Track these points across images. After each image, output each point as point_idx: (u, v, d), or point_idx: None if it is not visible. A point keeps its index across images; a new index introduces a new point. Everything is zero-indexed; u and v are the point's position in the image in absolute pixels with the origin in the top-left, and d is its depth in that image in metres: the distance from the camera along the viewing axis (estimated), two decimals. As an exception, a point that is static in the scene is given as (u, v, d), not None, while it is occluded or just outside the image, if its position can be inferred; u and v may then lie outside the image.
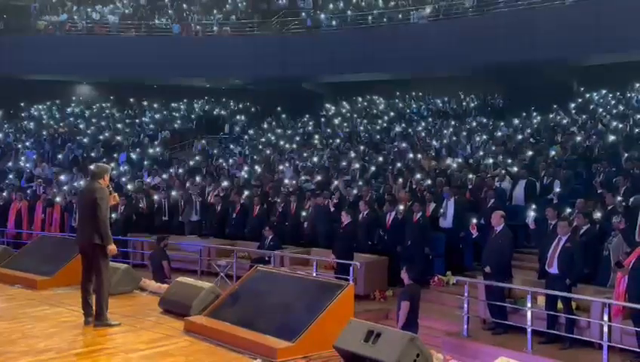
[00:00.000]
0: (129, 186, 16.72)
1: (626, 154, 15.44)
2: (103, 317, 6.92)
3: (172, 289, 7.92)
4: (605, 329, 7.11)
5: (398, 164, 16.39)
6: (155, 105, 32.75)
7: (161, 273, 11.96)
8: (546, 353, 7.92)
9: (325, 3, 31.54)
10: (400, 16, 28.50)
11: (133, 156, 22.30)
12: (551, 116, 23.16)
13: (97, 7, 33.11)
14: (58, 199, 15.18)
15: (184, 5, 34.48)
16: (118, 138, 25.11)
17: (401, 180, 14.14)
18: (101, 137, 25.45)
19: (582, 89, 27.61)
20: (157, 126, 28.48)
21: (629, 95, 25.72)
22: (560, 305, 8.25)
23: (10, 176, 19.12)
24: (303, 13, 30.88)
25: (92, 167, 7.80)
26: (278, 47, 29.19)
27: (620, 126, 19.68)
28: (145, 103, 33.48)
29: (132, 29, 32.32)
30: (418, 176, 14.15)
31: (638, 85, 25.90)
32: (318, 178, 15.55)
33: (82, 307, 7.07)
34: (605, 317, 7.17)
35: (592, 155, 16.42)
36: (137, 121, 29.56)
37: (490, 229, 9.34)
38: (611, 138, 17.80)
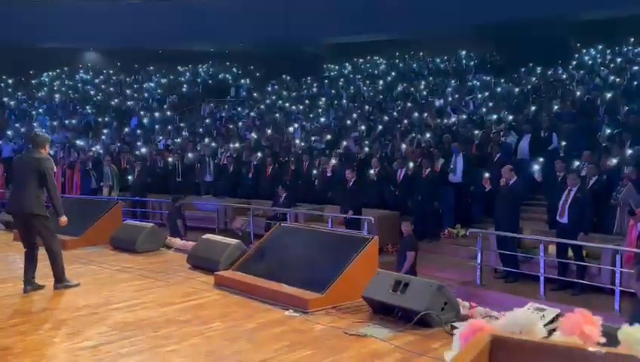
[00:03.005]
0: (143, 149, 16.64)
1: (627, 108, 15.36)
2: (62, 279, 6.78)
3: (199, 246, 7.98)
4: (618, 275, 7.16)
5: (405, 121, 16.28)
6: (162, 71, 32.43)
7: (176, 231, 12.04)
8: (558, 299, 7.97)
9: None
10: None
11: (145, 120, 22.15)
12: (550, 72, 22.93)
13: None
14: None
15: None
16: (129, 103, 24.90)
17: (409, 138, 14.06)
18: (112, 103, 25.24)
19: (578, 45, 27.29)
20: (164, 90, 28.28)
21: (625, 49, 25.42)
22: (570, 253, 8.30)
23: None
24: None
25: (34, 135, 7.37)
26: (279, 9, 28.90)
27: (618, 80, 19.51)
28: (151, 68, 33.18)
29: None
30: (427, 135, 14.05)
31: (632, 39, 25.53)
32: (328, 137, 15.45)
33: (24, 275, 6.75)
34: (618, 264, 7.20)
35: (593, 109, 16.33)
36: (145, 86, 29.25)
37: (501, 183, 9.33)
38: (610, 92, 17.68)
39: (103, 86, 29.33)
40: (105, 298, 6.50)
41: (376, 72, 28.42)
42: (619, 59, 22.68)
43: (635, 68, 20.56)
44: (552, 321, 4.45)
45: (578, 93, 18.33)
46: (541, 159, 10.92)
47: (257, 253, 7.13)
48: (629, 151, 10.17)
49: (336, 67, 30.23)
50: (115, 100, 25.60)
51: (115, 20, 29.61)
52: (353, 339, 5.06)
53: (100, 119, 22.76)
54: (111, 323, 5.58)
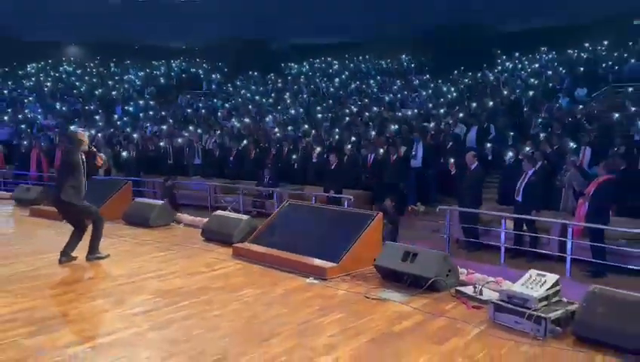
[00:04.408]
0: (135, 135, 15.99)
1: (547, 104, 15.85)
2: (95, 251, 6.53)
3: (212, 221, 7.73)
4: (569, 245, 7.34)
5: (367, 114, 16.25)
6: (138, 65, 31.25)
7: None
8: (516, 265, 8.11)
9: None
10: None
11: (131, 109, 21.30)
12: (478, 75, 23.35)
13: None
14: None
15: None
16: (113, 93, 23.88)
17: (373, 128, 14.03)
18: (96, 93, 24.14)
19: (499, 52, 27.84)
20: (142, 82, 27.30)
21: (537, 56, 26.12)
22: (525, 226, 8.47)
23: (23, 126, 17.97)
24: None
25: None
26: (245, 11, 28.42)
27: (536, 82, 20.04)
28: (128, 62, 31.90)
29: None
30: (390, 125, 14.05)
31: (544, 48, 26.24)
32: (305, 127, 15.25)
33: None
34: (570, 236, 7.38)
35: (519, 106, 16.74)
36: (125, 78, 28.12)
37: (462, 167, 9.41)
38: (531, 92, 18.17)
39: (86, 77, 28.00)
40: (135, 268, 6.21)
41: (330, 70, 28.24)
42: (536, 65, 23.24)
43: (549, 72, 21.15)
44: (554, 285, 4.50)
45: (505, 92, 18.73)
46: (488, 145, 11.11)
47: (269, 228, 6.95)
48: (571, 144, 10.44)
49: (296, 65, 29.86)
50: (100, 90, 24.47)
51: (95, 17, 28.35)
52: (375, 303, 4.99)
53: (86, 107, 21.71)
54: (151, 291, 5.33)
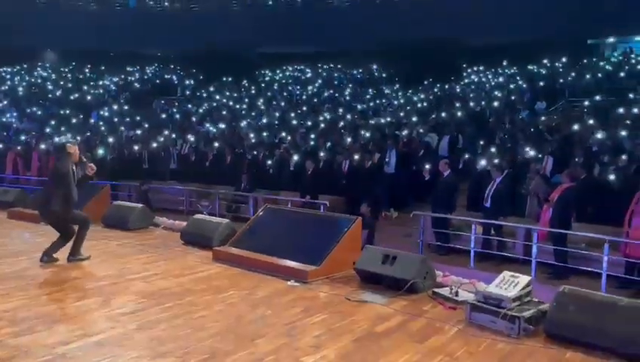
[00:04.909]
0: (110, 139, 15.69)
1: (510, 116, 16.26)
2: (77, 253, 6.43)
3: (191, 224, 7.66)
4: (534, 249, 7.52)
5: (342, 123, 16.35)
6: (113, 70, 30.67)
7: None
8: (484, 268, 8.25)
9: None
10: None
11: (107, 113, 20.89)
12: (446, 87, 23.73)
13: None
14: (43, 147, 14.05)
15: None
16: (88, 97, 23.38)
17: (347, 134, 14.13)
18: (71, 97, 23.60)
19: (464, 65, 28.35)
20: (117, 88, 26.83)
21: (500, 70, 26.70)
22: (493, 231, 8.64)
23: (-4, 130, 17.48)
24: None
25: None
26: (219, 20, 28.39)
27: (500, 94, 20.48)
28: (102, 68, 31.27)
29: (91, 2, 30.25)
30: (363, 132, 14.16)
31: (505, 62, 26.80)
32: (283, 134, 15.22)
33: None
34: (535, 240, 7.56)
35: (484, 116, 17.12)
36: (100, 83, 27.57)
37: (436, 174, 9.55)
38: (495, 104, 18.59)
39: (61, 82, 27.34)
40: (119, 270, 6.11)
41: (303, 78, 28.29)
42: (499, 79, 23.76)
43: (512, 86, 21.67)
44: (526, 286, 4.63)
45: (471, 103, 19.10)
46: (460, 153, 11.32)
47: (249, 231, 6.93)
48: (532, 153, 10.70)
49: (269, 73, 29.80)
50: (76, 95, 23.92)
51: (71, 23, 27.85)
52: (356, 305, 5.04)
53: (62, 112, 21.18)
54: (136, 292, 5.26)
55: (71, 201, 6.13)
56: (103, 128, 18.01)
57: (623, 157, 9.83)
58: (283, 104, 21.71)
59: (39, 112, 20.55)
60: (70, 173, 6.11)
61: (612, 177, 8.76)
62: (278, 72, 30.14)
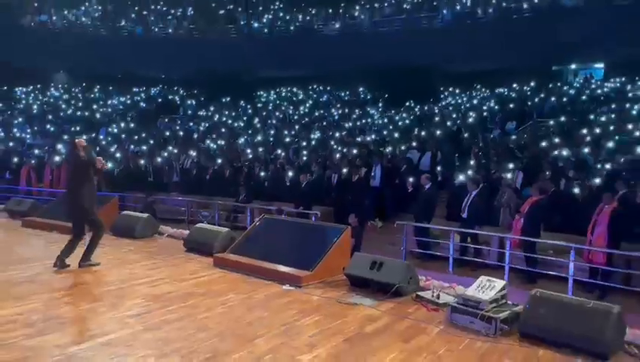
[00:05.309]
0: (118, 154, 15.58)
1: (483, 135, 16.43)
2: (88, 258, 6.36)
3: (193, 233, 7.60)
4: (507, 255, 7.56)
5: (331, 141, 16.38)
6: (120, 91, 30.56)
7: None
8: (462, 273, 8.26)
9: (258, 13, 30.75)
10: (315, 27, 28.39)
11: (115, 130, 20.77)
12: (426, 108, 23.88)
13: (72, 10, 30.35)
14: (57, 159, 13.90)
15: (144, 12, 32.22)
16: (97, 115, 23.24)
17: (337, 151, 14.14)
18: (82, 115, 23.45)
19: (442, 88, 28.60)
20: (125, 107, 26.72)
21: (474, 93, 26.95)
22: (469, 239, 8.68)
23: (11, 144, 17.21)
24: (241, 22, 29.82)
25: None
26: (220, 47, 28.43)
27: (474, 115, 20.61)
28: (110, 88, 31.15)
29: (101, 28, 30.20)
30: (352, 149, 14.18)
31: (479, 86, 27.06)
32: (278, 151, 15.20)
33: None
34: (508, 247, 7.60)
35: (460, 135, 17.24)
36: (109, 102, 27.44)
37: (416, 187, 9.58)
38: (469, 124, 18.73)
39: (72, 101, 27.18)
40: (126, 275, 6.03)
41: (295, 99, 28.37)
42: (474, 101, 23.96)
43: (484, 107, 21.86)
44: (501, 290, 4.64)
45: (448, 123, 19.24)
46: (439, 168, 11.40)
47: (247, 239, 6.88)
48: (510, 165, 10.80)
49: (265, 94, 29.85)
50: (86, 113, 23.76)
51: (82, 47, 27.76)
52: (347, 307, 5.01)
53: (72, 128, 21.02)
54: (142, 296, 5.20)
55: (95, 196, 6.10)
56: (111, 144, 17.87)
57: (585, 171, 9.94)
58: (277, 123, 21.68)
59: (52, 129, 20.34)
60: (90, 167, 6.06)
61: (577, 190, 8.85)
62: (272, 93, 30.22)
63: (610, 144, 12.79)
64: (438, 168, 12.66)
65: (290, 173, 11.96)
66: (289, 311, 4.82)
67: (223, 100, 28.39)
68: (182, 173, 14.32)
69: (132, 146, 17.42)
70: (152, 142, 18.20)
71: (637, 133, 13.72)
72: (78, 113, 23.96)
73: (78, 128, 20.81)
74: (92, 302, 4.97)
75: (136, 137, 19.52)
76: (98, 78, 30.22)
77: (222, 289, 5.56)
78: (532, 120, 18.70)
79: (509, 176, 10.10)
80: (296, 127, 19.84)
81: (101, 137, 19.50)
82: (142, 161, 14.71)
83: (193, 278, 5.99)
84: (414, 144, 14.52)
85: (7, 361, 3.59)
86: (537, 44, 22.87)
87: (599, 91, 20.86)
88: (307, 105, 26.16)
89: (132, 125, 22.18)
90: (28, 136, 19.15)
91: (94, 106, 26.00)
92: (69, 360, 3.63)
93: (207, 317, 4.61)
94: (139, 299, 5.08)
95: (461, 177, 10.09)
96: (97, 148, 16.23)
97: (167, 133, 20.70)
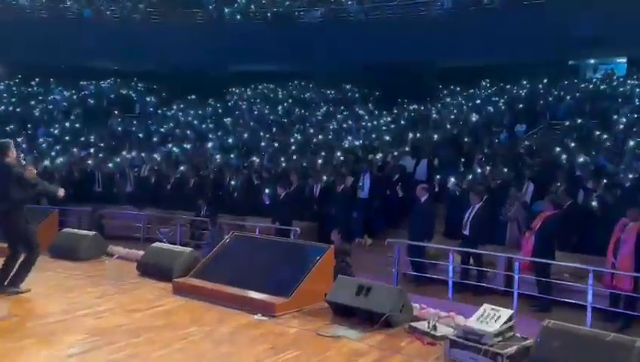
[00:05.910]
0: (60, 159, 15.40)
1: (488, 138, 16.63)
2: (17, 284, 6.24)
3: (149, 254, 7.51)
4: (516, 279, 7.63)
5: (314, 141, 16.43)
6: (64, 85, 30.21)
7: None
8: (463, 299, 8.33)
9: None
10: (296, 13, 28.44)
11: (56, 131, 20.53)
12: (422, 108, 24.06)
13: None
14: None
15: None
16: (35, 113, 22.94)
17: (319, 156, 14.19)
18: (16, 112, 23.14)
19: (440, 86, 28.85)
20: (69, 103, 26.46)
21: (477, 92, 27.25)
22: (471, 260, 8.75)
23: None
24: (210, 6, 29.77)
25: None
26: (184, 35, 28.24)
27: (477, 116, 20.83)
28: (52, 81, 30.76)
29: (41, 10, 29.83)
30: (338, 154, 14.24)
31: (483, 83, 27.40)
32: (254, 158, 15.17)
33: None
34: (516, 271, 7.68)
35: (460, 138, 17.41)
36: (50, 98, 27.12)
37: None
38: (472, 126, 18.95)
39: (4, 95, 26.82)
40: (67, 304, 5.93)
41: (271, 96, 28.40)
42: (477, 100, 24.23)
43: (490, 108, 22.14)
44: (508, 321, 4.67)
45: (448, 125, 19.43)
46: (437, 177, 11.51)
47: (214, 261, 6.83)
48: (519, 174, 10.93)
49: (237, 91, 29.82)
50: (17, 110, 23.46)
51: (18, 32, 27.34)
52: (329, 340, 4.99)
53: (6, 128, 20.72)
54: (86, 330, 5.10)
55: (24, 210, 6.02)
56: (51, 147, 17.67)
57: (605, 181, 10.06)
58: (251, 124, 21.68)
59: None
60: (22, 173, 5.98)
61: (596, 204, 8.98)
62: (246, 90, 30.22)
63: (635, 150, 13.02)
64: (437, 177, 12.76)
65: (266, 183, 11.95)
66: (261, 346, 4.79)
67: (188, 97, 28.31)
68: (137, 183, 14.23)
69: (76, 150, 17.24)
70: (101, 145, 18.04)
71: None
72: (11, 109, 23.63)
73: (11, 127, 20.56)
74: (24, 339, 4.85)
75: (82, 139, 19.34)
76: (37, 69, 29.80)
77: (182, 320, 5.50)
78: (544, 122, 19.02)
79: (517, 186, 10.21)
80: (273, 128, 19.86)
81: (40, 139, 19.26)
82: (88, 168, 14.58)
83: (148, 308, 5.91)
84: (408, 149, 14.61)
85: None
86: (551, 35, 23.22)
87: (621, 89, 21.25)
88: (286, 104, 26.21)
89: (77, 125, 21.95)
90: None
91: (32, 102, 25.69)
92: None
93: (164, 356, 4.55)
94: (81, 334, 4.99)
95: (461, 187, 10.19)
96: (34, 152, 16.05)
97: (120, 135, 20.56)
